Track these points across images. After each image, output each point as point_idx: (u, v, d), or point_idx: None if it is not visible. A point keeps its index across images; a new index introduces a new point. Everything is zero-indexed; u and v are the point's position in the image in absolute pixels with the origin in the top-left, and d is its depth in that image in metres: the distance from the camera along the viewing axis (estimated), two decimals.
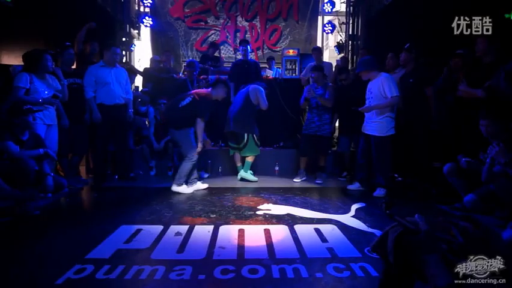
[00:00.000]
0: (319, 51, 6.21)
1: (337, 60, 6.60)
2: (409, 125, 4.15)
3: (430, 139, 4.12)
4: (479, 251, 1.02)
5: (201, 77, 5.65)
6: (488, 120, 3.00)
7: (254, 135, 4.88)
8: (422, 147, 4.10)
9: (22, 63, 3.85)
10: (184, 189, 4.20)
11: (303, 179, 4.93)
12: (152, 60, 6.56)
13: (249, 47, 5.71)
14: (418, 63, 4.27)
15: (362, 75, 4.16)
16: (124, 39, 7.81)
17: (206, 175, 5.19)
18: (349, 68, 6.51)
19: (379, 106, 3.99)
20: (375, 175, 4.22)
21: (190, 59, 6.77)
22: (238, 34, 8.87)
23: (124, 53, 7.57)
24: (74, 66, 4.54)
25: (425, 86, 4.06)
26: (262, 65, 8.11)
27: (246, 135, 4.80)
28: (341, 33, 8.74)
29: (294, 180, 4.91)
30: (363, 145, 4.24)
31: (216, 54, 7.14)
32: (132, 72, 6.13)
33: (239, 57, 5.87)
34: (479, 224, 1.17)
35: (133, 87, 6.40)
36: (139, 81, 6.95)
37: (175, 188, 4.20)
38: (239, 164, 5.00)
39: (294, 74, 6.58)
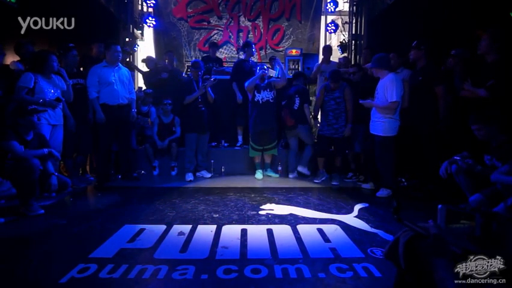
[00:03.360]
0: (329, 50, 6.21)
1: (339, 59, 6.59)
2: (417, 123, 4.11)
3: (438, 139, 4.07)
4: (494, 247, 1.00)
5: (204, 76, 5.65)
6: (478, 124, 3.01)
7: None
8: (430, 146, 4.05)
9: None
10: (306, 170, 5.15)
11: (323, 178, 4.94)
12: (148, 60, 6.54)
13: (253, 47, 5.75)
14: (428, 61, 4.18)
15: (373, 71, 4.18)
16: (127, 39, 7.84)
17: (209, 175, 5.21)
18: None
19: (377, 106, 4.06)
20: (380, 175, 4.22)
21: (195, 59, 6.73)
22: (241, 34, 8.87)
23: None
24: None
25: (435, 85, 3.96)
26: None
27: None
28: (344, 33, 8.71)
29: (315, 180, 4.90)
30: (370, 145, 4.27)
31: (221, 56, 7.12)
32: (131, 69, 6.14)
33: (242, 57, 5.86)
34: (501, 218, 1.15)
35: (136, 87, 6.43)
36: (142, 82, 6.98)
37: (300, 168, 5.14)
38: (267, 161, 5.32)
39: None
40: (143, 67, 6.80)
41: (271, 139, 5.10)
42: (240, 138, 5.75)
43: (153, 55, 8.54)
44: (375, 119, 4.14)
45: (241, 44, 8.76)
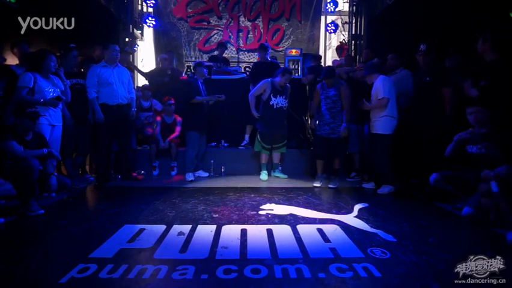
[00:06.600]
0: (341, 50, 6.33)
1: (333, 61, 6.61)
2: (420, 123, 4.08)
3: (439, 140, 4.06)
4: None
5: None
6: (478, 107, 3.01)
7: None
8: (431, 147, 4.03)
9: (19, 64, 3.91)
10: None
11: (321, 183, 4.67)
12: (160, 59, 6.57)
13: (268, 49, 5.83)
14: (435, 62, 4.13)
15: (367, 79, 4.35)
16: (127, 39, 7.84)
17: (205, 174, 5.23)
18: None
19: (369, 106, 4.26)
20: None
21: (199, 60, 6.74)
22: (240, 34, 8.87)
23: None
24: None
25: (443, 86, 3.92)
26: None
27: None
28: (344, 33, 8.72)
29: (315, 184, 4.61)
30: (371, 144, 4.38)
31: (224, 55, 7.13)
32: (131, 70, 6.16)
33: (242, 57, 5.88)
34: None
35: (134, 86, 6.44)
36: (141, 81, 6.99)
37: None
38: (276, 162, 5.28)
39: (296, 74, 6.56)
40: (142, 67, 6.81)
41: (281, 140, 5.11)
42: (246, 137, 5.71)
43: (153, 55, 8.56)
44: (373, 119, 4.28)
45: (240, 44, 8.81)
